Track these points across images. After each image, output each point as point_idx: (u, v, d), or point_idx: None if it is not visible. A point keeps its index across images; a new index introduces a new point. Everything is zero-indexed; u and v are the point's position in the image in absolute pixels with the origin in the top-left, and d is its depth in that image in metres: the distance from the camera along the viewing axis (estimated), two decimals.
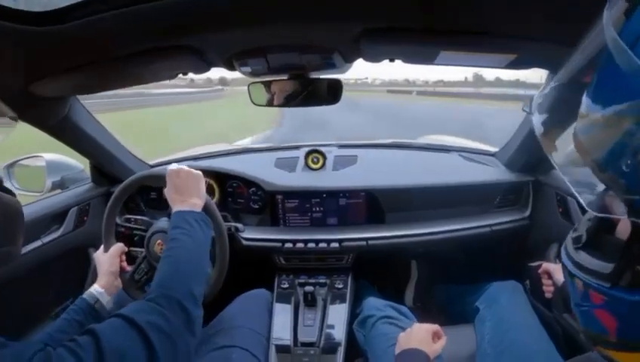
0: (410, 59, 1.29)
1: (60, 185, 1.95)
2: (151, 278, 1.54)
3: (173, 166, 1.44)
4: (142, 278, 1.55)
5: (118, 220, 1.65)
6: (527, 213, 2.00)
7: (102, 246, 1.56)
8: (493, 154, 2.16)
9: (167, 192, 1.41)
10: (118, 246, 1.53)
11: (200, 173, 1.45)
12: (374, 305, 1.69)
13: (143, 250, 1.55)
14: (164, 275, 1.13)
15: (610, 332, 0.53)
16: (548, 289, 1.51)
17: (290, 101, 1.54)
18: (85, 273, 1.98)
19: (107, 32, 1.04)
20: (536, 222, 1.98)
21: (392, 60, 1.29)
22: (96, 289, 1.41)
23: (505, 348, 1.44)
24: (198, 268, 1.22)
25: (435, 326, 1.39)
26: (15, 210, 0.89)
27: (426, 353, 1.27)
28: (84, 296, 1.38)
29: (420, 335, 1.34)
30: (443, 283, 2.32)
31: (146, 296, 1.05)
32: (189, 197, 1.38)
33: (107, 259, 1.50)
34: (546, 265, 1.52)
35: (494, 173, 2.04)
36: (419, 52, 1.22)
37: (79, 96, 1.63)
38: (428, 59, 1.25)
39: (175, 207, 1.36)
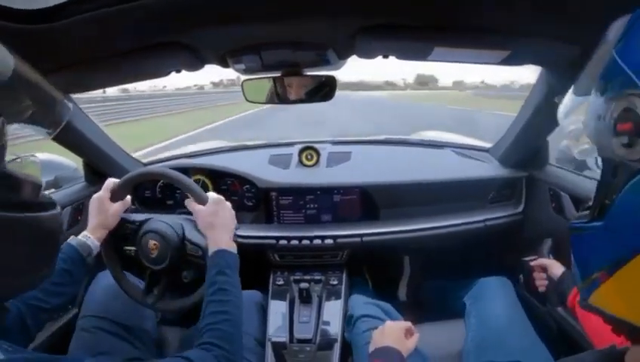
0: (404, 55, 1.29)
1: (54, 184, 1.94)
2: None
3: (215, 195, 1.40)
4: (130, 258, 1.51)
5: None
6: (521, 208, 2.01)
7: (110, 190, 1.46)
8: (487, 150, 2.16)
9: (204, 218, 1.35)
10: (126, 203, 1.48)
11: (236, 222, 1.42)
12: (356, 303, 1.70)
13: (135, 248, 1.50)
14: (224, 333, 1.12)
15: (592, 265, 0.61)
16: (541, 284, 1.52)
17: (283, 98, 1.54)
18: None
19: (99, 30, 1.04)
20: (529, 217, 1.99)
21: (385, 57, 1.30)
22: (91, 240, 1.36)
23: (488, 345, 1.44)
24: (242, 322, 1.22)
25: (407, 323, 1.42)
26: (54, 229, 0.80)
27: (399, 350, 1.28)
28: (73, 243, 1.34)
29: (392, 333, 1.36)
30: (436, 279, 2.32)
31: (211, 350, 1.08)
32: (226, 234, 1.34)
33: (111, 213, 1.43)
34: (541, 260, 1.53)
35: (488, 168, 2.04)
36: (413, 48, 1.23)
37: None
38: (422, 55, 1.25)
39: (214, 242, 1.30)
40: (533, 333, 1.45)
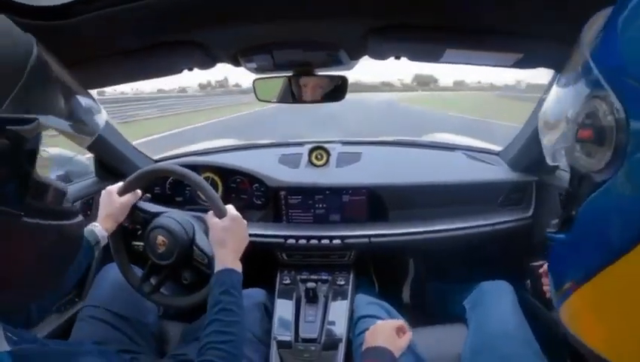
0: (416, 56, 1.29)
1: (64, 178, 1.95)
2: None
3: (234, 211, 1.39)
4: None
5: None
6: (530, 212, 2.00)
7: (120, 184, 1.48)
8: (497, 153, 2.15)
9: (218, 232, 1.33)
10: (136, 195, 1.50)
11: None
12: (360, 303, 1.68)
13: (142, 243, 1.51)
14: (227, 354, 1.11)
15: (562, 276, 0.60)
16: (548, 289, 1.50)
17: (294, 98, 1.55)
18: (87, 269, 1.98)
19: (113, 27, 1.05)
20: (538, 222, 1.98)
21: (397, 58, 1.30)
22: (99, 230, 1.38)
23: (482, 352, 1.41)
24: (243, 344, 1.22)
25: (399, 322, 1.40)
26: (75, 238, 0.77)
27: (390, 350, 1.27)
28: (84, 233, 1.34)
29: (383, 332, 1.35)
30: (441, 282, 2.31)
31: None
32: (235, 253, 1.32)
33: (119, 206, 1.45)
34: (548, 266, 1.51)
35: (498, 172, 2.03)
36: (425, 50, 1.22)
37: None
38: (434, 57, 1.25)
39: (221, 260, 1.29)
40: (531, 340, 1.41)
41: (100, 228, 1.39)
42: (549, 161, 0.67)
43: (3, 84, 0.56)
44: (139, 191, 1.52)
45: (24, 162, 0.58)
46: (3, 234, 0.58)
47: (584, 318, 0.57)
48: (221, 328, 1.13)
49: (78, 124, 0.82)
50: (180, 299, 1.50)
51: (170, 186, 2.10)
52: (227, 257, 1.28)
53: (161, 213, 1.50)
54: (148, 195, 1.58)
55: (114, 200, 1.45)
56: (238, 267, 1.29)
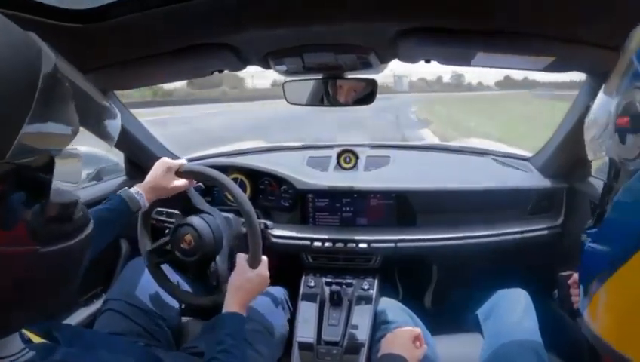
0: (446, 60, 1.28)
1: (95, 177, 1.99)
2: (170, 261, 1.55)
3: (265, 269, 1.40)
4: (161, 259, 1.55)
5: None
6: (560, 221, 1.95)
7: (180, 162, 1.50)
8: (527, 159, 2.12)
9: (240, 277, 1.34)
10: (190, 183, 1.51)
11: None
12: (383, 307, 1.68)
13: (168, 239, 1.52)
14: None
15: (591, 274, 0.59)
16: (576, 300, 1.46)
17: (324, 100, 1.55)
18: (115, 263, 2.03)
19: (146, 30, 1.07)
20: (568, 230, 1.93)
21: (427, 61, 1.29)
22: (144, 200, 1.42)
23: None
24: None
25: (417, 331, 1.38)
26: (84, 250, 0.72)
27: (406, 359, 1.26)
28: (125, 197, 1.38)
29: (402, 340, 1.34)
30: (464, 289, 2.27)
31: None
32: (246, 300, 1.33)
33: (172, 186, 1.47)
34: (577, 276, 1.48)
35: (528, 178, 2.00)
36: (456, 53, 1.21)
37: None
38: (465, 60, 1.23)
39: (231, 303, 1.29)
40: (541, 351, 1.39)
41: (144, 198, 1.42)
42: (590, 156, 0.67)
43: (20, 99, 0.53)
44: (193, 181, 1.54)
45: (38, 196, 0.57)
46: (16, 270, 0.56)
47: (607, 314, 0.56)
48: None
49: (98, 129, 0.82)
50: (185, 293, 1.56)
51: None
52: (236, 302, 1.29)
53: (204, 212, 1.53)
54: (201, 185, 1.61)
55: (170, 177, 1.46)
56: (244, 312, 1.29)
